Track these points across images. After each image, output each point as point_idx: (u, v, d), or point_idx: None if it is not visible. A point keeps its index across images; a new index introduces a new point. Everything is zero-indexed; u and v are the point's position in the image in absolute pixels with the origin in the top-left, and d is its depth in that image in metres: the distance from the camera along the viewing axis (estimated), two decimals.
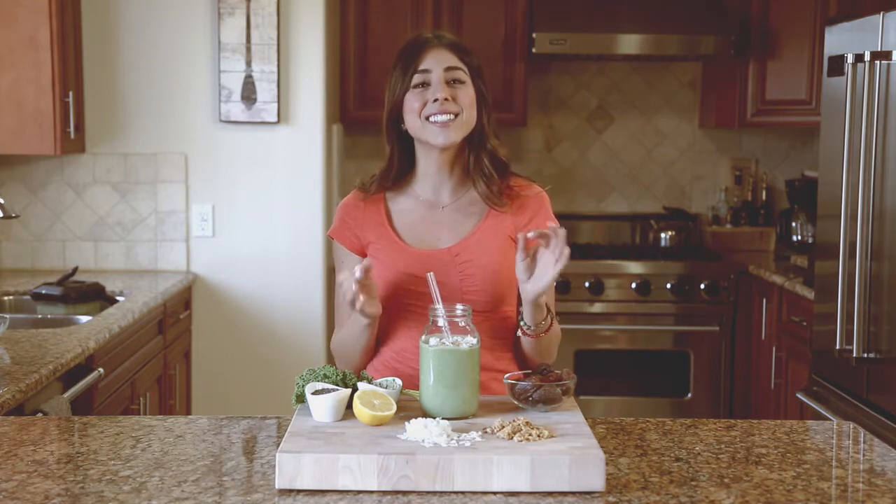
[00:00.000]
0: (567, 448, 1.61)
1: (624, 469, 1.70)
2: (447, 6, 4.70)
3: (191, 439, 1.86)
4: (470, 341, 1.82)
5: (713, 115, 5.03)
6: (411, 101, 2.09)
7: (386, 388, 1.84)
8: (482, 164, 2.14)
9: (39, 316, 3.49)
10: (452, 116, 2.07)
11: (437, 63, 2.09)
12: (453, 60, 2.10)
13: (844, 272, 3.27)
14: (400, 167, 2.17)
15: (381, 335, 2.13)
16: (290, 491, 1.57)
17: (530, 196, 2.18)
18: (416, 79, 2.09)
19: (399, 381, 1.88)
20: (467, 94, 2.09)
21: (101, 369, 2.96)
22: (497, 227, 2.14)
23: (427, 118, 2.07)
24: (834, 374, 3.48)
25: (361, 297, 1.95)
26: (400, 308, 2.11)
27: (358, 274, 1.91)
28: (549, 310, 2.10)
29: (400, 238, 2.14)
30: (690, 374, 4.66)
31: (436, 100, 2.06)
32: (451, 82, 2.09)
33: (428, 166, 2.15)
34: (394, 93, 2.11)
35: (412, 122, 2.10)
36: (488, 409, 1.84)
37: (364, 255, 2.17)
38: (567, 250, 1.93)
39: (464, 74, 2.10)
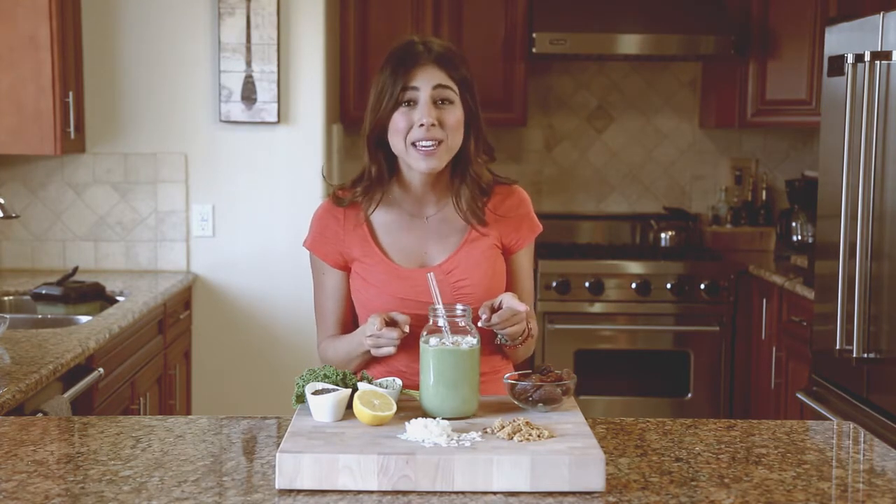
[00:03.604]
0: (567, 448, 1.61)
1: (624, 469, 1.70)
2: (447, 6, 4.70)
3: (191, 439, 1.86)
4: (470, 341, 1.82)
5: (713, 115, 5.03)
6: (397, 121, 2.03)
7: (386, 388, 1.84)
8: (464, 187, 2.10)
9: (39, 316, 3.49)
10: (437, 143, 2.02)
11: (426, 81, 2.02)
12: (443, 78, 2.03)
13: (844, 272, 3.27)
14: (388, 179, 2.12)
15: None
16: (290, 491, 1.57)
17: (513, 206, 2.17)
18: (404, 96, 2.02)
19: (399, 381, 1.88)
20: (454, 115, 2.04)
21: (101, 369, 2.96)
22: (483, 238, 2.13)
23: (413, 143, 2.02)
24: (834, 374, 3.48)
25: (392, 349, 1.96)
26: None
27: (395, 335, 1.92)
28: (527, 323, 2.09)
29: (387, 256, 2.10)
30: (690, 374, 4.66)
31: (422, 125, 2.01)
32: (439, 102, 2.03)
33: (411, 181, 2.11)
34: (380, 106, 2.04)
35: (397, 143, 2.05)
36: (488, 409, 1.84)
37: (346, 270, 2.14)
38: (507, 328, 1.97)
39: (453, 94, 2.04)
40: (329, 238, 2.14)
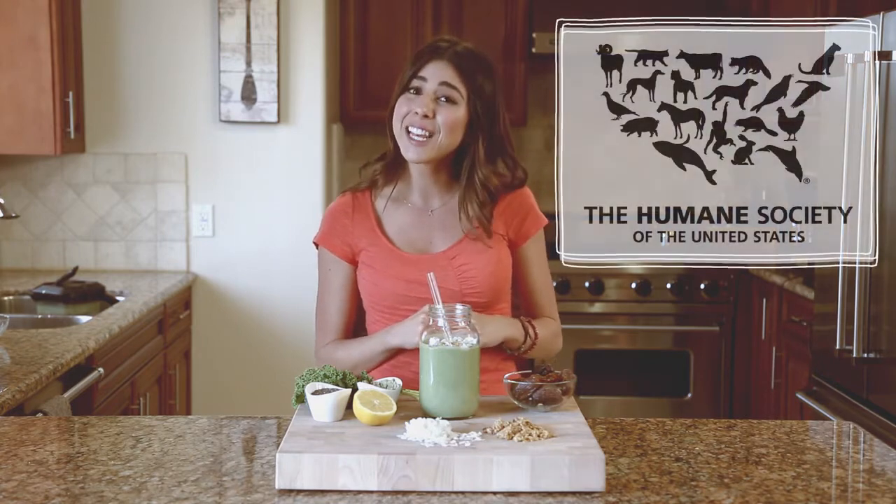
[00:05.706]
0: (567, 448, 1.61)
1: (624, 469, 1.70)
2: (447, 6, 4.70)
3: (191, 439, 1.86)
4: (470, 341, 1.82)
5: None
6: (400, 106, 2.08)
7: (386, 388, 1.84)
8: (472, 193, 2.11)
9: (39, 316, 3.49)
10: (427, 134, 2.05)
11: (435, 74, 2.07)
12: (452, 77, 2.07)
13: (844, 272, 3.27)
14: (401, 161, 2.15)
15: None
16: (290, 491, 1.57)
17: (516, 199, 2.19)
18: (412, 83, 2.08)
19: (399, 381, 1.88)
20: (452, 116, 2.06)
21: (101, 369, 2.96)
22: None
23: (407, 128, 2.06)
24: (834, 374, 3.48)
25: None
26: (397, 316, 2.11)
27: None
28: (527, 331, 2.14)
29: (393, 244, 2.13)
30: (690, 374, 4.66)
31: (416, 113, 2.05)
32: (441, 99, 2.06)
33: (413, 173, 2.15)
34: (396, 92, 2.11)
35: (396, 127, 2.09)
36: (488, 409, 1.84)
37: (354, 263, 2.16)
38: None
39: (458, 95, 2.07)
40: (338, 230, 2.17)
